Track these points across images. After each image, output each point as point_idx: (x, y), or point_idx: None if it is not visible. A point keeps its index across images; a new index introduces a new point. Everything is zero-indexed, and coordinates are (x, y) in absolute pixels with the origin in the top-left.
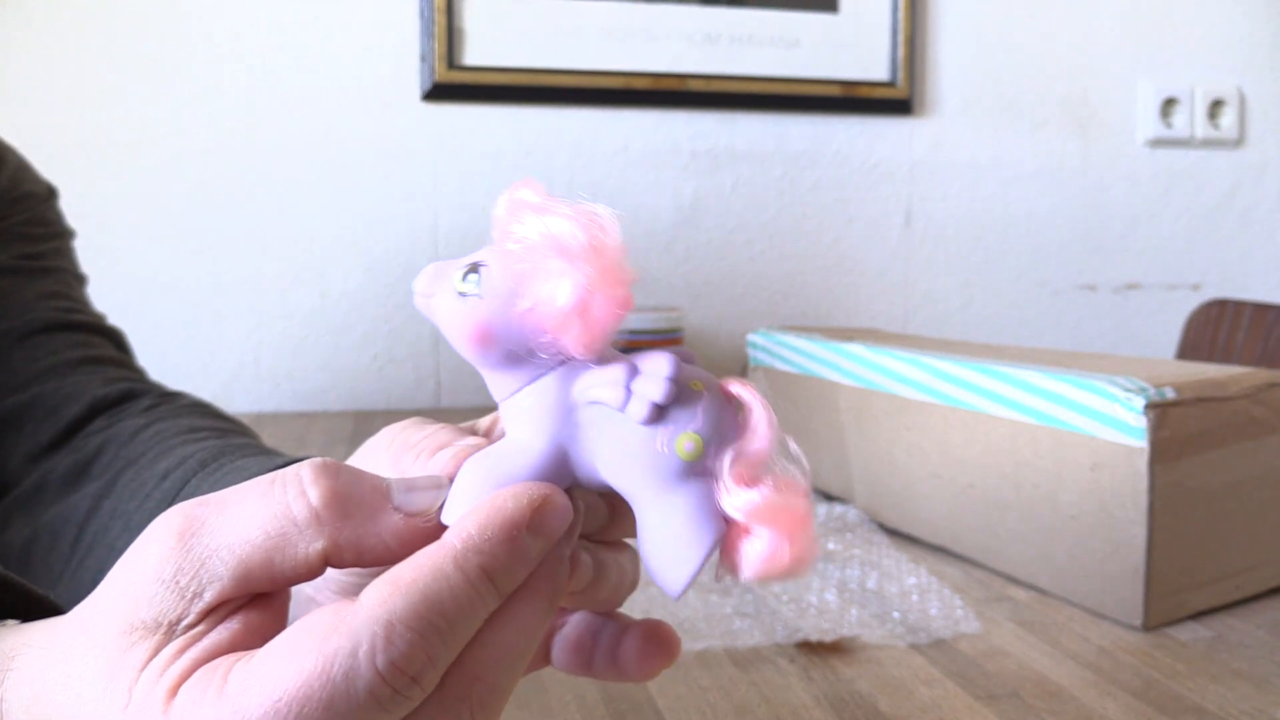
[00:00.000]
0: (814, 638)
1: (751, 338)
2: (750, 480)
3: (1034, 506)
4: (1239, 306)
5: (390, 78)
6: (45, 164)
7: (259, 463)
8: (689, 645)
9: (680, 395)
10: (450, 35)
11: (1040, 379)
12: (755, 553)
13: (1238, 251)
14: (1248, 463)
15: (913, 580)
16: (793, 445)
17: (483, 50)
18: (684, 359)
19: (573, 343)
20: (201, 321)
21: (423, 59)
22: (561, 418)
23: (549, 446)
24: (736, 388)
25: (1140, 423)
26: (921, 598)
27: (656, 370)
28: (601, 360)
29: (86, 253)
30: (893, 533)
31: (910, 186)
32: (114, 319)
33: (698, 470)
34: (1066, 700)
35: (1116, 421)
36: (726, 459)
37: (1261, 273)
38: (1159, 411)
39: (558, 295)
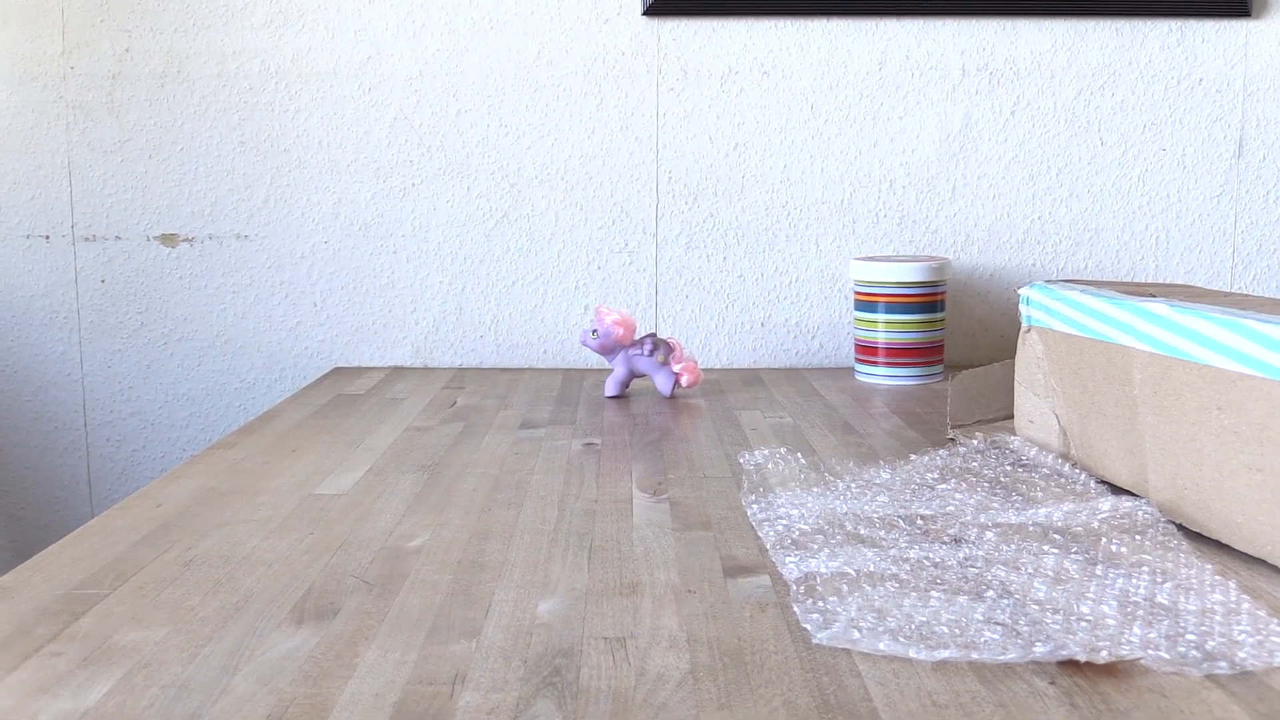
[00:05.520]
0: (1083, 657)
1: (1026, 292)
2: (678, 360)
3: None
4: None
5: None
6: (241, 95)
7: None
8: (925, 654)
9: (658, 345)
10: None
11: None
12: (687, 379)
13: None
14: None
15: (1217, 596)
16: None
17: None
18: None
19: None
20: (399, 267)
21: None
22: (625, 361)
23: (625, 369)
24: (671, 339)
25: None
26: (1227, 618)
27: (668, 342)
28: (634, 344)
29: (278, 188)
30: (1195, 536)
31: (1244, 108)
32: (307, 263)
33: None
34: None
35: None
36: (671, 357)
37: None
38: None
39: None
